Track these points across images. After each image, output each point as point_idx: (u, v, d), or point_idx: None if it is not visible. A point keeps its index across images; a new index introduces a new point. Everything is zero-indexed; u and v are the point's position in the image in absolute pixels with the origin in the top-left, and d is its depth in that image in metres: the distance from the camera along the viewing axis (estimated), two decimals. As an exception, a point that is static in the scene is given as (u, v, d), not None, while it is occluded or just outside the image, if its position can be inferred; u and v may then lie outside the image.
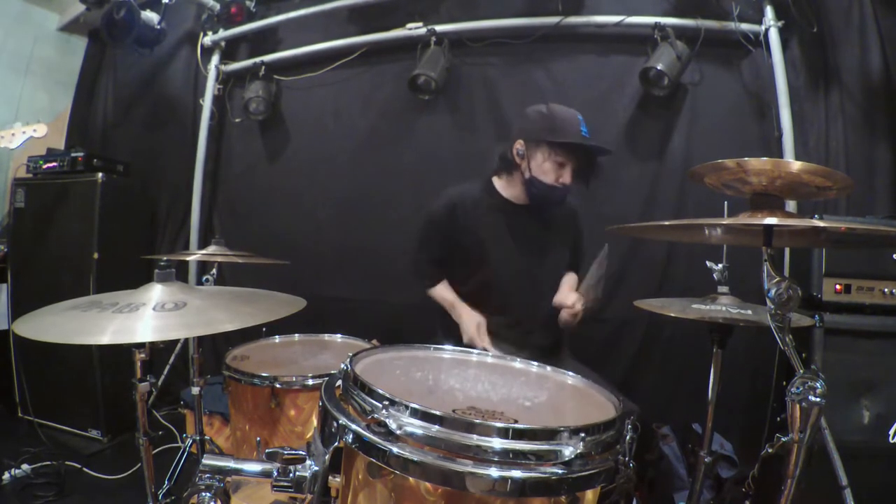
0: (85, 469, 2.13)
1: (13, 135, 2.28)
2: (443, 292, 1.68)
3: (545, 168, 1.55)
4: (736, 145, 2.26)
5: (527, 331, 1.66)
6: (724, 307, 1.43)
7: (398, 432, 0.71)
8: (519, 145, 1.59)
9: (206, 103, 2.96)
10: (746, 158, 0.89)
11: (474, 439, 0.70)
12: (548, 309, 1.67)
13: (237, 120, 2.98)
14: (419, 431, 0.72)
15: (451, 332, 1.71)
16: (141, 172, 2.91)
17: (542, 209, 1.68)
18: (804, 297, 0.99)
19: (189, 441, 1.74)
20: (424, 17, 2.56)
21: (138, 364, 1.08)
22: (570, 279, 1.75)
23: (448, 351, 1.22)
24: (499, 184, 1.69)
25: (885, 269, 1.65)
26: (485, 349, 1.44)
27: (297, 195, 2.84)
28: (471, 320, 1.56)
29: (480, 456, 0.69)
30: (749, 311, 1.39)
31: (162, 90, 3.15)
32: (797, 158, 2.12)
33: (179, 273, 2.06)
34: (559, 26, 2.38)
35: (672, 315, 1.40)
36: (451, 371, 1.08)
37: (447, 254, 1.69)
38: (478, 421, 0.74)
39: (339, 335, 1.79)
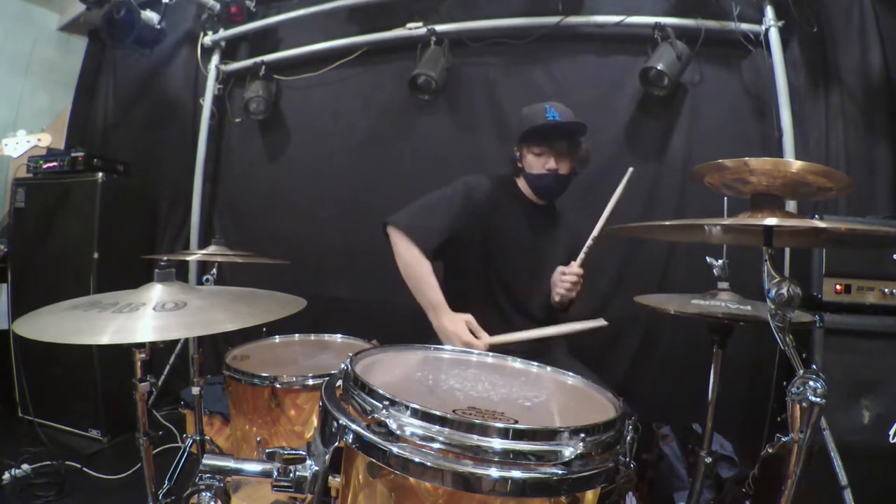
0: (85, 469, 2.13)
1: (17, 143, 2.29)
2: (426, 274, 1.50)
3: (530, 162, 1.64)
4: (736, 145, 2.25)
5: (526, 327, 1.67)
6: (724, 303, 1.43)
7: (398, 432, 0.71)
8: (515, 152, 1.70)
9: (207, 103, 2.96)
10: (748, 158, 0.89)
11: (474, 439, 0.70)
12: (548, 305, 1.69)
13: (237, 120, 2.98)
14: (419, 431, 0.72)
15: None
16: (141, 172, 2.91)
17: (555, 208, 1.77)
18: (804, 297, 0.99)
19: (189, 441, 1.74)
20: (424, 16, 2.56)
21: (138, 364, 1.07)
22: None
23: (448, 351, 1.22)
24: (519, 183, 1.77)
25: (885, 269, 1.65)
26: (486, 349, 1.34)
27: (297, 195, 2.84)
28: (455, 324, 1.42)
29: (480, 456, 0.69)
30: (749, 308, 1.39)
31: (162, 90, 3.15)
32: (797, 158, 2.12)
33: (179, 273, 2.05)
34: (559, 26, 2.38)
35: (672, 311, 1.40)
36: (451, 371, 1.08)
37: (460, 236, 1.59)
38: (478, 421, 0.74)
39: (339, 335, 1.79)
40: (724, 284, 1.50)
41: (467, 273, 1.66)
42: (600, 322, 1.38)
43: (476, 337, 1.39)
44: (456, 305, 1.71)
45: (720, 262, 1.52)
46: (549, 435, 0.72)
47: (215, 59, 2.97)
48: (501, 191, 1.71)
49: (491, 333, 1.61)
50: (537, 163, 1.62)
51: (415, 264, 1.51)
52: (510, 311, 1.68)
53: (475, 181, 1.66)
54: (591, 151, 1.70)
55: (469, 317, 1.43)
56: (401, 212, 1.60)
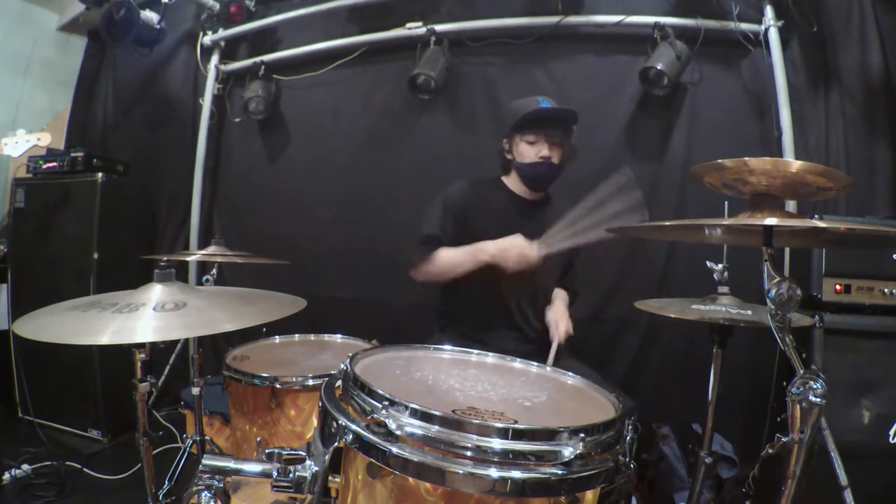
0: (85, 469, 2.13)
1: (17, 142, 2.29)
2: (452, 250, 1.60)
3: (522, 151, 1.64)
4: (736, 145, 2.25)
5: (526, 325, 1.68)
6: (724, 307, 1.43)
7: (398, 432, 0.71)
8: (504, 144, 1.71)
9: (206, 103, 2.96)
10: (748, 158, 0.89)
11: (474, 440, 0.70)
12: (546, 305, 1.69)
13: (237, 120, 2.98)
14: (419, 432, 0.72)
15: (450, 333, 1.72)
16: (141, 172, 2.91)
17: (549, 200, 1.76)
18: (804, 297, 0.99)
19: (189, 441, 1.74)
20: (424, 16, 2.56)
21: (138, 364, 1.07)
22: (562, 297, 1.78)
23: (448, 351, 1.22)
24: (507, 180, 1.77)
25: (885, 269, 1.65)
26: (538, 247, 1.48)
27: (297, 195, 2.84)
28: (507, 240, 1.52)
29: (480, 456, 0.69)
30: (749, 312, 1.39)
31: (162, 90, 3.15)
32: (797, 158, 2.12)
33: (179, 273, 2.05)
34: (559, 26, 2.38)
35: (672, 316, 1.41)
36: (451, 371, 1.08)
37: (453, 240, 1.65)
38: (477, 421, 0.74)
39: (339, 335, 1.79)
40: (724, 289, 1.50)
41: (465, 278, 1.67)
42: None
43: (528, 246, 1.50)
44: (459, 310, 1.71)
45: (720, 266, 1.52)
46: (549, 435, 0.72)
47: (215, 58, 2.97)
48: (486, 192, 1.72)
49: (497, 328, 1.63)
50: (530, 151, 1.63)
51: (437, 261, 1.61)
52: (513, 307, 1.68)
53: (452, 188, 1.71)
54: (579, 145, 1.71)
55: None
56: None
